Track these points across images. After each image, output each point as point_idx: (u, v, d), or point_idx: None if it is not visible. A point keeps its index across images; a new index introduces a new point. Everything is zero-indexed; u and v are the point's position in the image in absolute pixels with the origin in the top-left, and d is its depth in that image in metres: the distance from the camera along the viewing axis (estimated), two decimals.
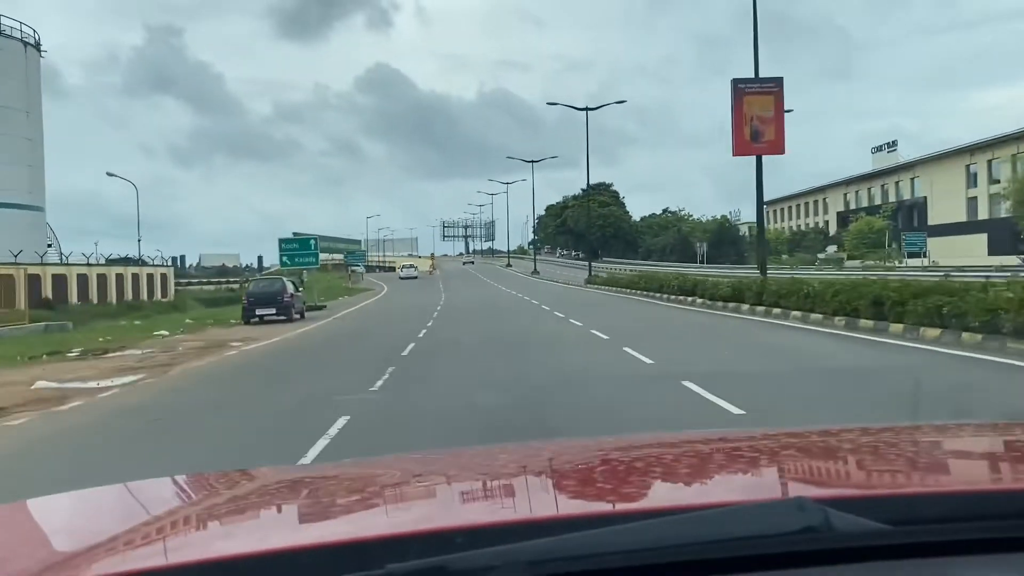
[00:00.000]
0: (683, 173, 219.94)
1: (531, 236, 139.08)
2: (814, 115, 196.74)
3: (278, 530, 1.31)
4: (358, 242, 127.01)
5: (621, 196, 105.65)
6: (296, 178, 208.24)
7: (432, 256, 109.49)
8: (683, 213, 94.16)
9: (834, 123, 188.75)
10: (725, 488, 1.44)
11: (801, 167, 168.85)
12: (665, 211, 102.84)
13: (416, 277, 76.87)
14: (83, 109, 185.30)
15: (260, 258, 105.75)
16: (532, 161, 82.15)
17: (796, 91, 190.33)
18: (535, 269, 78.79)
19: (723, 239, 74.08)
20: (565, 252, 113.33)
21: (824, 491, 1.32)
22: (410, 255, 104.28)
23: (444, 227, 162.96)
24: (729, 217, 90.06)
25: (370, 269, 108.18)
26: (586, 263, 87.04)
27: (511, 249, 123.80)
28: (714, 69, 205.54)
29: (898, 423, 2.03)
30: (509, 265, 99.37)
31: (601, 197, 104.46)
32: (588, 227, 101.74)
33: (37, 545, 1.28)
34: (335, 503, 1.43)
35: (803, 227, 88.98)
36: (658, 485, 1.44)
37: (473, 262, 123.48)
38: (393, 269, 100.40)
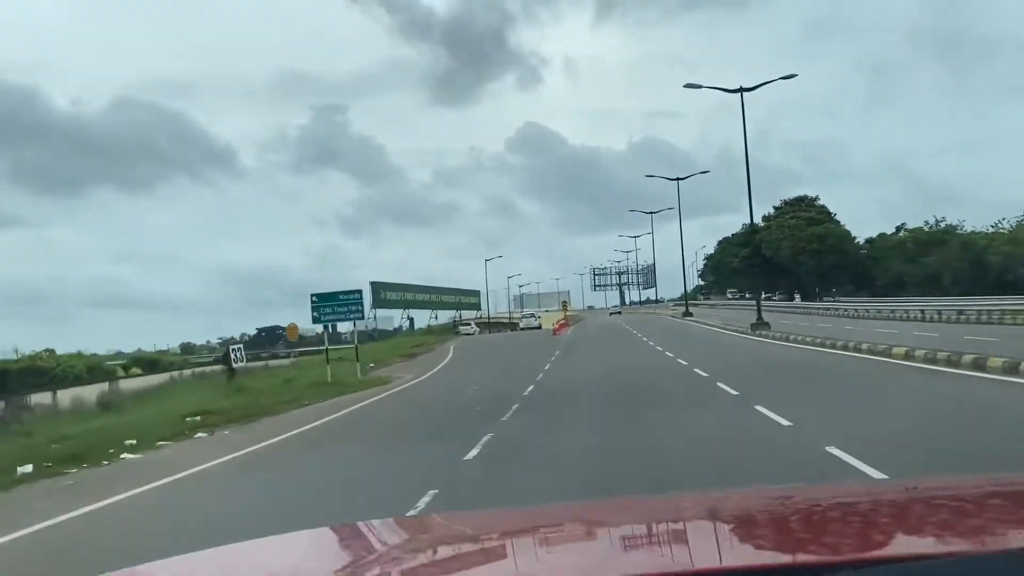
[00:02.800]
0: (853, 208, 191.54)
1: (698, 280, 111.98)
2: (996, 139, 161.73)
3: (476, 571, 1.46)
4: (476, 293, 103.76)
5: (833, 213, 76.75)
6: (454, 240, 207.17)
7: (564, 306, 79.06)
8: (948, 224, 64.38)
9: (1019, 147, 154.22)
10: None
11: (980, 197, 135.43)
12: (901, 228, 73.23)
13: (539, 327, 67.72)
14: (259, 187, 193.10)
15: (411, 319, 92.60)
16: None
17: (976, 114, 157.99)
18: (759, 318, 36.15)
19: None
20: (740, 294, 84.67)
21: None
22: (563, 310, 76.24)
23: (595, 275, 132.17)
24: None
25: (492, 327, 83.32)
26: (827, 307, 58.64)
27: (675, 296, 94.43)
28: (882, 98, 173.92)
29: None
30: (688, 314, 60.90)
31: (806, 213, 76.06)
32: (796, 253, 73.71)
33: None
34: (522, 546, 1.60)
35: None
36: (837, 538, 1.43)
37: (620, 312, 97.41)
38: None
